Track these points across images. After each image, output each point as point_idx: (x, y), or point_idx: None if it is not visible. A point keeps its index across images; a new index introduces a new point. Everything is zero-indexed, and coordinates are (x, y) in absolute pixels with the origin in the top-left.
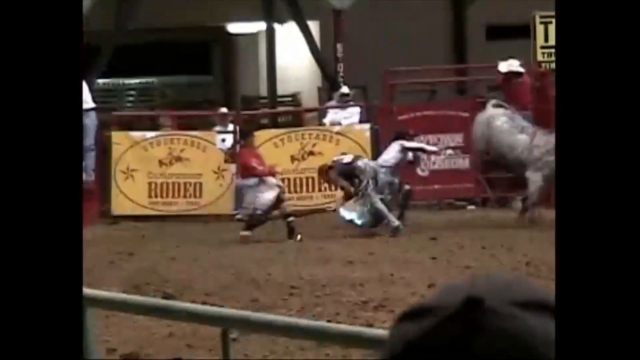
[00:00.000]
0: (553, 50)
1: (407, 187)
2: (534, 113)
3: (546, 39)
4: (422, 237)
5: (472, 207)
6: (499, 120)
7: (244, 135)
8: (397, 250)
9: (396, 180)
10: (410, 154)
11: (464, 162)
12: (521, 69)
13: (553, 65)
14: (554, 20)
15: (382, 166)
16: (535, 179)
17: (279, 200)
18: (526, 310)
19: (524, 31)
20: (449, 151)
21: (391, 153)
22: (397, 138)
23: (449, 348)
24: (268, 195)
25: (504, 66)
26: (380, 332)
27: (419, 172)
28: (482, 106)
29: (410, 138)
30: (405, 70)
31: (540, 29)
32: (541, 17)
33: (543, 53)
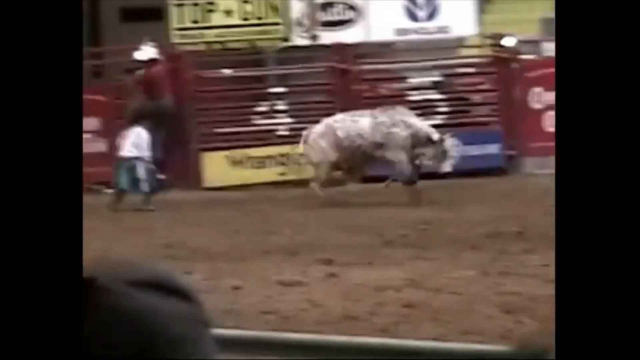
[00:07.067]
0: (187, 32)
1: None
2: (176, 97)
3: (180, 21)
4: None
5: (110, 190)
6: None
7: None
8: None
9: None
10: None
11: (101, 146)
12: (157, 56)
13: (188, 47)
14: (186, 2)
15: None
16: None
17: None
18: (141, 289)
19: (158, 13)
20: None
21: None
22: None
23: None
24: None
25: (141, 54)
26: None
27: None
28: (118, 89)
29: None
30: None
31: (174, 11)
32: None
33: (177, 35)
